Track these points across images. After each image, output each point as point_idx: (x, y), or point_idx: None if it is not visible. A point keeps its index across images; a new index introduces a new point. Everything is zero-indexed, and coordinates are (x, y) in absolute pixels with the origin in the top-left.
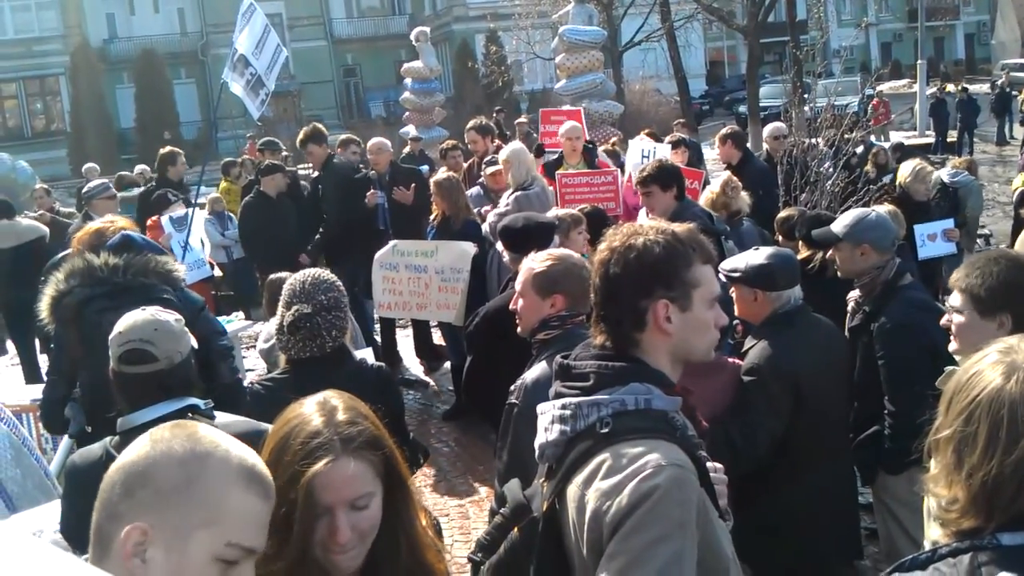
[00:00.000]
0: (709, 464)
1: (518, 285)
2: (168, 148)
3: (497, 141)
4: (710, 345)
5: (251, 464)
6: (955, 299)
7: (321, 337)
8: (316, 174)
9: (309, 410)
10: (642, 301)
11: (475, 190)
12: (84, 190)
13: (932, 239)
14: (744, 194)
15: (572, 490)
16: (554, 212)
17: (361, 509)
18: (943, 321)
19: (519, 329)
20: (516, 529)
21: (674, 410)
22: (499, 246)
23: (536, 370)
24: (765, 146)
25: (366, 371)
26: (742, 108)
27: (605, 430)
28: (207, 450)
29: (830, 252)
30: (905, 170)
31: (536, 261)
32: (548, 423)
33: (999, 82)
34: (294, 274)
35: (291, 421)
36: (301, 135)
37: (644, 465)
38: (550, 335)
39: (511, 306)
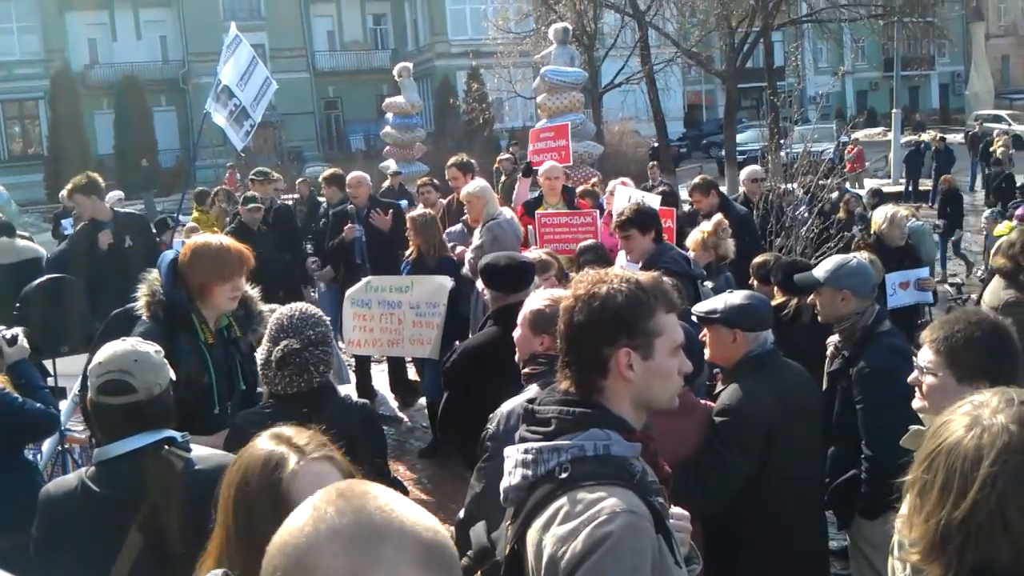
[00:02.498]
0: (673, 510)
1: (519, 318)
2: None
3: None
4: (673, 393)
5: (430, 541)
6: (928, 358)
7: (308, 372)
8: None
9: (256, 442)
10: (605, 349)
11: (458, 227)
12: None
13: (904, 287)
14: (730, 240)
15: (532, 534)
16: (536, 253)
17: None
18: (911, 378)
19: (516, 357)
20: (479, 573)
21: (633, 456)
22: (479, 285)
23: (516, 400)
24: (742, 188)
25: (350, 407)
26: (723, 152)
27: (564, 475)
28: (378, 532)
29: (808, 298)
30: (879, 216)
31: (537, 299)
32: (512, 467)
33: (973, 132)
34: (281, 307)
35: (240, 459)
36: (69, 184)
37: (599, 512)
38: (536, 370)
39: (513, 333)
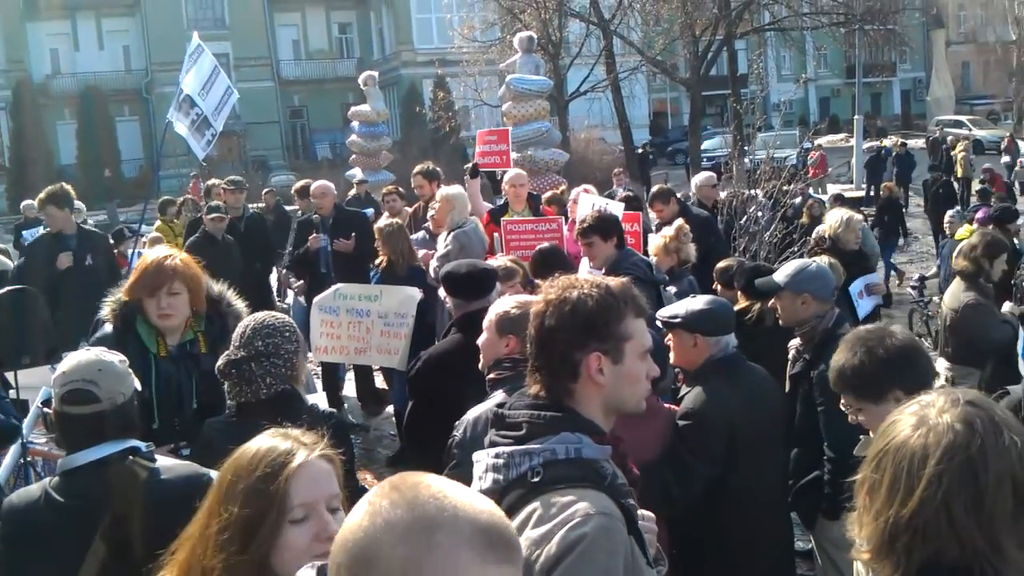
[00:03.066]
0: (639, 512)
1: (485, 322)
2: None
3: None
4: (641, 396)
5: (485, 523)
6: (844, 400)
7: (256, 383)
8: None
9: (257, 439)
10: (576, 353)
11: (420, 234)
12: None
13: (860, 296)
14: (691, 245)
15: None
16: (501, 260)
17: (335, 512)
18: (851, 419)
19: (480, 364)
20: None
21: (604, 458)
22: (441, 292)
23: (481, 407)
24: (694, 194)
25: (317, 416)
26: (688, 159)
27: (536, 479)
28: (431, 520)
29: (770, 302)
30: (832, 220)
31: (504, 303)
32: (482, 472)
33: (934, 137)
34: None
35: (243, 452)
36: (43, 194)
37: (572, 514)
38: (501, 375)
39: (478, 340)
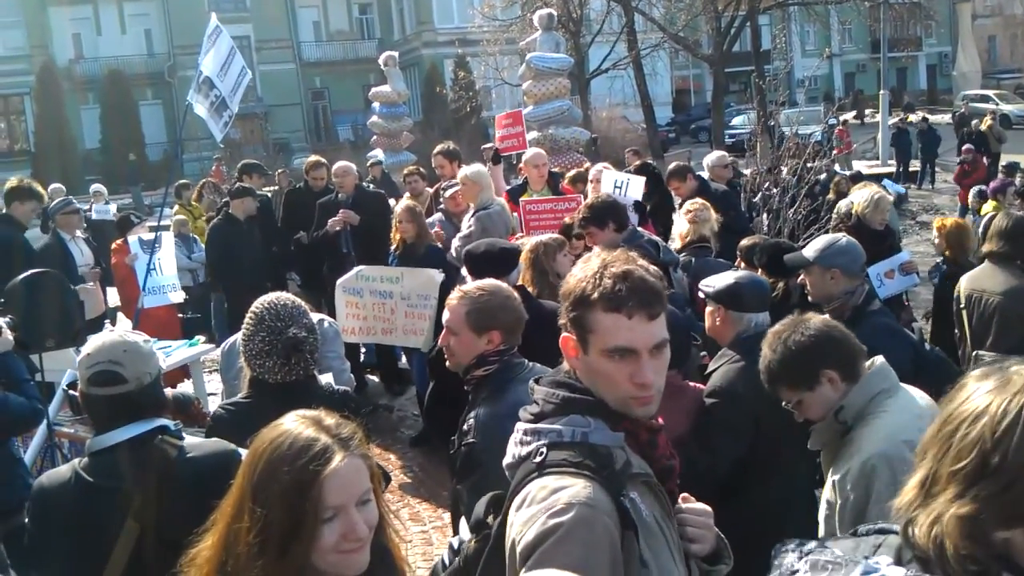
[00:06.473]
0: (693, 506)
1: (448, 321)
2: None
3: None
4: (622, 398)
5: None
6: (782, 395)
7: (306, 360)
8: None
9: (292, 424)
10: (563, 330)
11: (437, 216)
12: (49, 207)
13: (890, 276)
14: (712, 222)
15: (510, 514)
16: (535, 238)
17: (365, 504)
18: (797, 417)
19: (449, 364)
20: (473, 541)
21: (616, 446)
22: (464, 271)
23: (487, 404)
24: (707, 174)
25: (333, 396)
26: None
27: (538, 459)
28: None
29: (800, 278)
30: (861, 198)
31: (467, 297)
32: (510, 444)
33: (960, 112)
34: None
35: (277, 438)
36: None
37: (556, 501)
38: (489, 371)
39: (439, 342)
